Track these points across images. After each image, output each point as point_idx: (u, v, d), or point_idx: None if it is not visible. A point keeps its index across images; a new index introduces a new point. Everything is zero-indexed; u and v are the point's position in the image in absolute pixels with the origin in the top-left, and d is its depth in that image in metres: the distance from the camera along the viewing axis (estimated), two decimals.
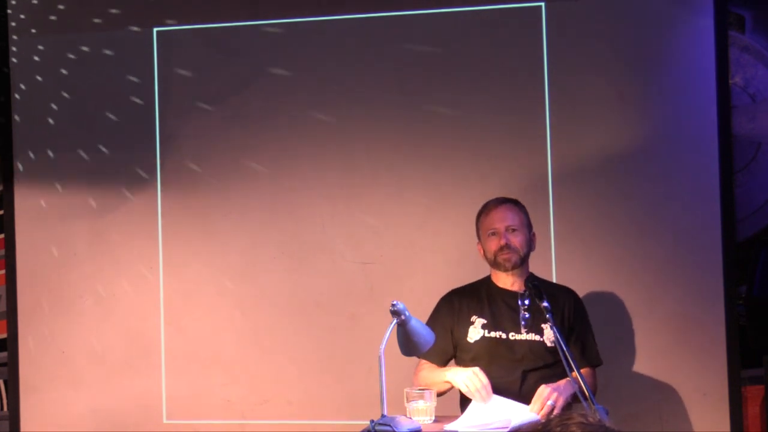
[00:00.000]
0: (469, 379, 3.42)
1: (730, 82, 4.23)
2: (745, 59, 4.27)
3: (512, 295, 3.68)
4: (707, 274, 4.20)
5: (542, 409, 3.33)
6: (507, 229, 3.68)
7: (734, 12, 4.27)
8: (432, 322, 3.75)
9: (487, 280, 3.79)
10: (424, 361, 3.75)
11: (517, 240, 3.67)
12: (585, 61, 4.32)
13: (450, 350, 3.75)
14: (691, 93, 4.23)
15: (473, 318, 3.71)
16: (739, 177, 4.26)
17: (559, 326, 3.62)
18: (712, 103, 4.20)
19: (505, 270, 3.69)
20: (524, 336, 3.62)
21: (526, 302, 3.61)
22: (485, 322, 3.69)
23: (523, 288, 3.65)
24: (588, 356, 3.71)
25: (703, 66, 4.21)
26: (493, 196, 4.21)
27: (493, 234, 3.69)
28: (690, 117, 4.23)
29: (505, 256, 3.66)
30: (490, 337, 3.66)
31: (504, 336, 3.65)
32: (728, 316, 4.17)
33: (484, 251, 3.75)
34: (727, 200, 4.19)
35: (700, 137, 4.21)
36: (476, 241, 3.80)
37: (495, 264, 3.70)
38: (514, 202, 3.76)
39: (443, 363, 3.75)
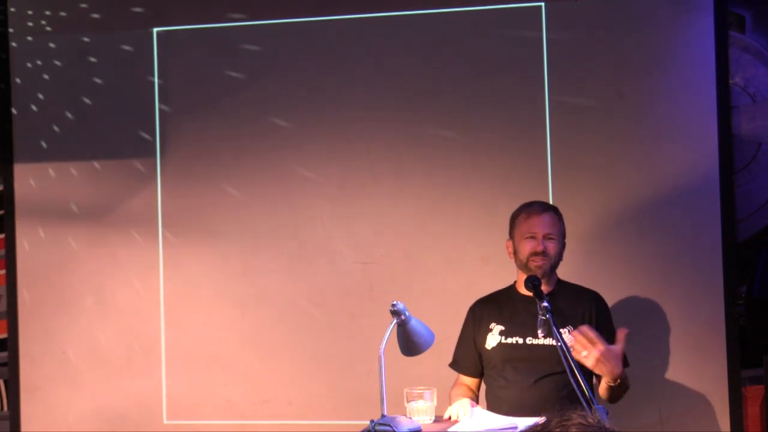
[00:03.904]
0: (453, 408, 3.48)
1: (730, 82, 4.23)
2: (745, 59, 4.27)
3: (533, 301, 3.60)
4: (707, 274, 4.19)
5: (580, 343, 3.30)
6: (546, 236, 3.65)
7: (734, 12, 4.27)
8: (461, 334, 3.81)
9: (510, 288, 3.78)
10: (459, 374, 3.78)
11: (552, 248, 3.65)
12: (585, 61, 4.32)
13: (478, 360, 3.75)
14: (691, 93, 4.23)
15: (492, 325, 3.70)
16: (739, 177, 4.26)
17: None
18: (712, 103, 4.20)
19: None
20: (541, 341, 3.60)
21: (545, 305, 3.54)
22: (503, 328, 3.68)
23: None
24: None
25: (703, 66, 4.21)
26: (493, 196, 4.20)
27: (531, 238, 3.65)
28: (690, 117, 4.23)
29: (538, 263, 3.63)
30: (506, 343, 3.66)
31: (521, 341, 3.64)
32: (728, 316, 4.17)
33: (515, 251, 3.71)
34: (727, 200, 4.19)
35: (700, 137, 4.21)
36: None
37: (525, 267, 3.66)
38: (555, 211, 3.73)
39: (474, 374, 3.76)
